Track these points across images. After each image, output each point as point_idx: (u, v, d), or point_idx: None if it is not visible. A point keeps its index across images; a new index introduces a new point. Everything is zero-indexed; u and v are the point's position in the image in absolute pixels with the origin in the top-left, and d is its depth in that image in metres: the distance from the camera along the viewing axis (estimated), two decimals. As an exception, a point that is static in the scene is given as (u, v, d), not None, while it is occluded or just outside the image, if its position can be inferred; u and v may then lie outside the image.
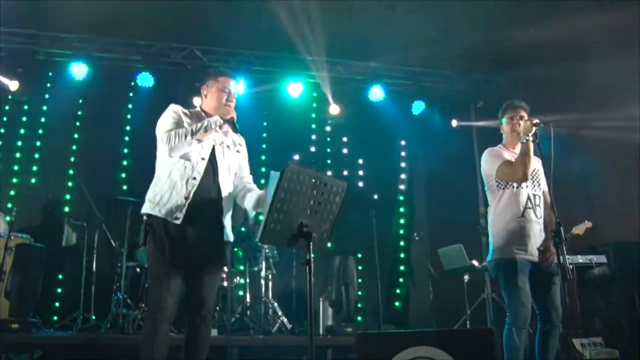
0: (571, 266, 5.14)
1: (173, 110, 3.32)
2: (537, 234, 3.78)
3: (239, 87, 6.44)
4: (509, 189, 3.84)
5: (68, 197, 7.27)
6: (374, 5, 6.56)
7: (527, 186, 3.83)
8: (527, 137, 3.68)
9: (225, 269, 5.82)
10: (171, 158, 3.19)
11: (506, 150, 3.98)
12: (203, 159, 3.24)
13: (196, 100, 6.97)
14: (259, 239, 2.83)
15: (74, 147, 7.56)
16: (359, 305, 7.04)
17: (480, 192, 7.37)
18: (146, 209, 3.21)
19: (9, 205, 6.09)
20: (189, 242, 3.13)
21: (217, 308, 5.83)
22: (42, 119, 7.49)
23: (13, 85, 6.85)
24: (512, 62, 7.03)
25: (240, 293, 6.56)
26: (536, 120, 3.66)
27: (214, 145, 3.31)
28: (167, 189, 3.18)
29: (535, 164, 3.91)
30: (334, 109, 7.94)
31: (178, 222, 3.10)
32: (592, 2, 5.87)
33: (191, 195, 3.15)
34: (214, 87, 3.41)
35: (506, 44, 6.60)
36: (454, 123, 8.00)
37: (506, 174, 3.82)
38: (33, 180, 7.29)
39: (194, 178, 3.18)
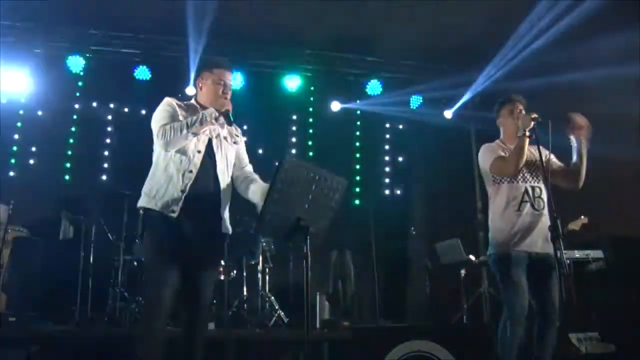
0: (568, 261, 5.16)
1: (167, 104, 3.28)
2: (537, 227, 3.72)
3: (235, 80, 6.42)
4: (506, 183, 3.82)
5: (65, 190, 7.25)
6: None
7: (525, 179, 3.81)
8: (524, 132, 3.63)
9: (223, 262, 5.81)
10: (167, 152, 3.17)
11: (503, 145, 3.95)
12: (199, 152, 3.20)
13: (189, 90, 6.95)
14: (255, 229, 2.82)
15: (71, 141, 7.56)
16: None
17: (477, 187, 7.37)
18: (142, 202, 3.19)
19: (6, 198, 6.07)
20: (185, 235, 3.10)
21: (214, 301, 5.83)
22: (39, 112, 7.47)
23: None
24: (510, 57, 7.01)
25: (237, 286, 6.55)
26: (535, 115, 3.59)
27: (210, 138, 3.28)
28: (164, 182, 3.15)
29: (535, 155, 3.89)
30: (335, 106, 7.98)
31: (174, 215, 3.08)
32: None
33: (187, 188, 3.12)
34: (209, 79, 3.35)
35: (503, 37, 6.59)
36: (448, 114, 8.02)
37: (498, 168, 3.82)
38: (30, 173, 7.27)
39: (190, 171, 3.15)
